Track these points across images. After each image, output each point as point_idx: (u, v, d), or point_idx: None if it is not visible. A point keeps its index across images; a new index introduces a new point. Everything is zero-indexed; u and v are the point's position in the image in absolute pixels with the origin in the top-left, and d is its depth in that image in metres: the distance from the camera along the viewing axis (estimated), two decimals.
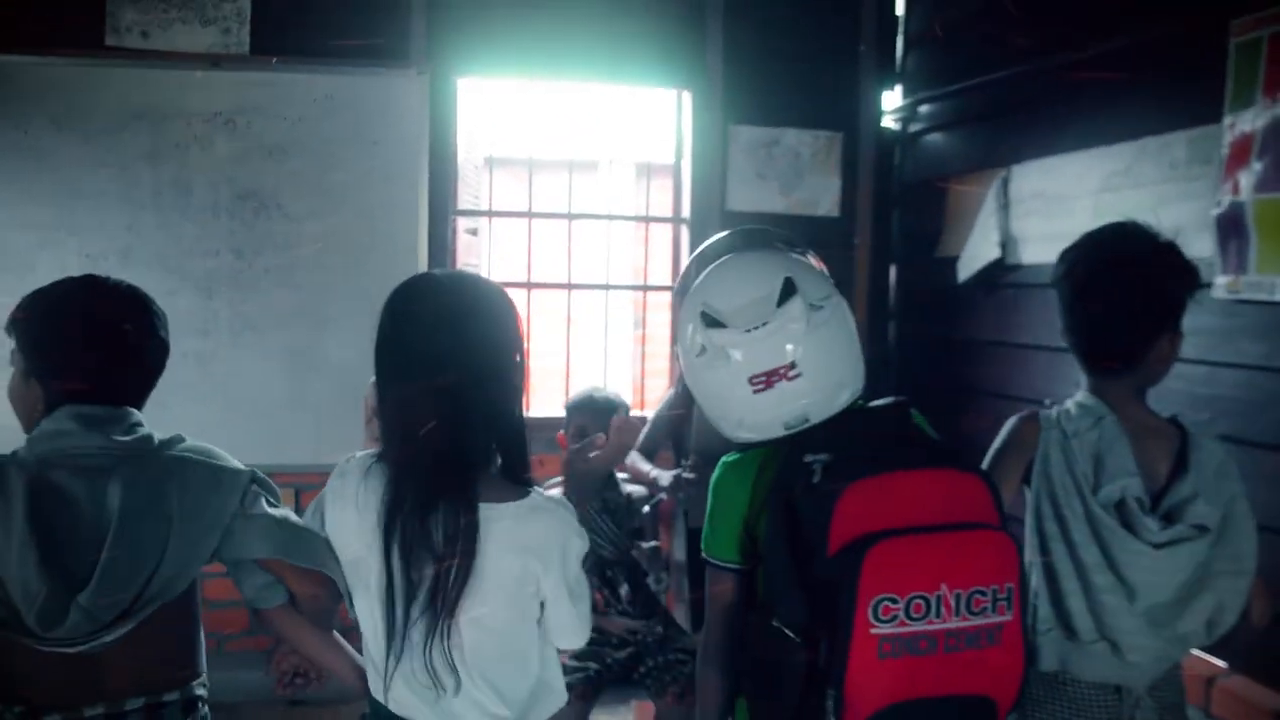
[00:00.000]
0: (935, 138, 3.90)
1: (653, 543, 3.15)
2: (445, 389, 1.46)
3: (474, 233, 4.28)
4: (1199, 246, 2.28)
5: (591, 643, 2.84)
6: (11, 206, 3.45)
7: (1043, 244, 3.07)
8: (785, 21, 3.95)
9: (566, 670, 2.71)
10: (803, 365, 1.54)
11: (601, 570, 2.98)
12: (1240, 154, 2.33)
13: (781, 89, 3.96)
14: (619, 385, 3.97)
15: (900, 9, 4.05)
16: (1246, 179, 2.31)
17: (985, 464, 1.80)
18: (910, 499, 1.44)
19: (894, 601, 1.36)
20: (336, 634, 1.69)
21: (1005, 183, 3.29)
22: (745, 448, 1.63)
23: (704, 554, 1.65)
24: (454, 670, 1.48)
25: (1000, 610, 1.42)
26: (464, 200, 3.99)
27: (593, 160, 7.08)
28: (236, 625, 3.50)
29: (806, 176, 3.99)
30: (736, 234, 1.82)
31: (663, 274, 4.53)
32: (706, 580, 1.65)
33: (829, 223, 4.01)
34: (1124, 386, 1.77)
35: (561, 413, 3.15)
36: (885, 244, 4.11)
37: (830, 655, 1.37)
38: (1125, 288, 1.71)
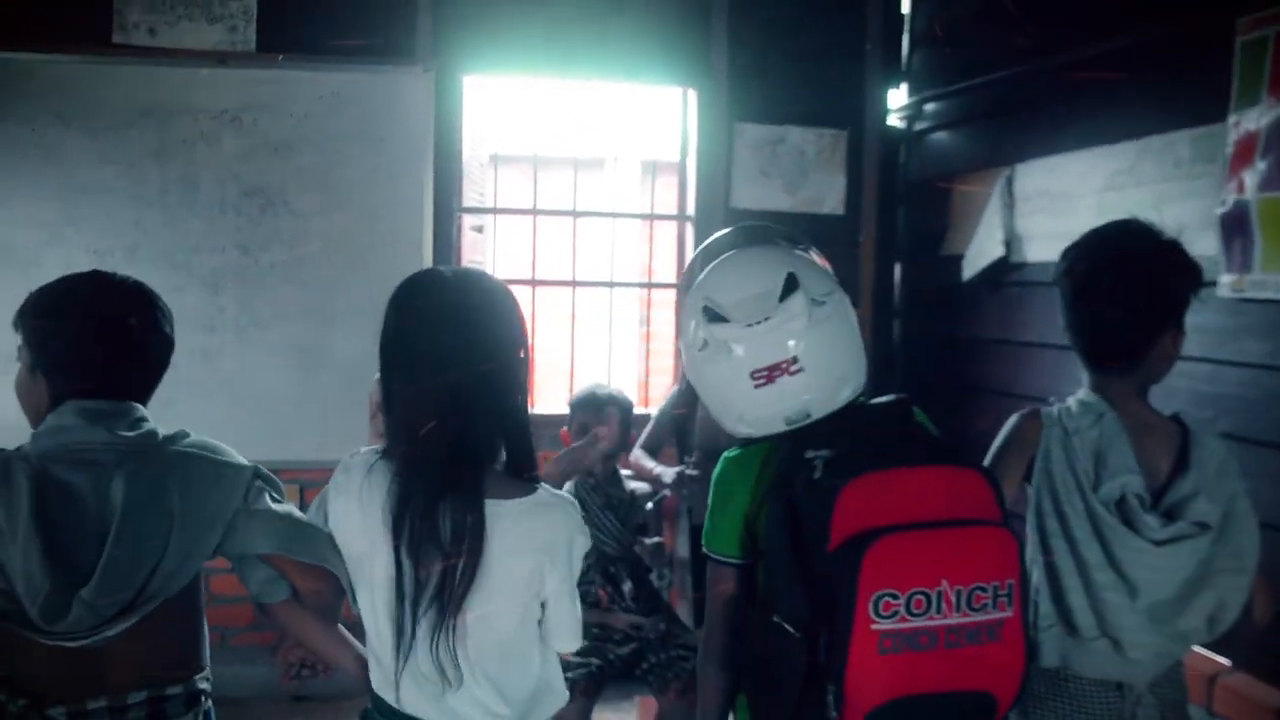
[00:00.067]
0: (940, 136, 3.89)
1: (656, 539, 3.16)
2: (450, 385, 1.47)
3: (479, 230, 4.29)
4: (1202, 245, 2.28)
5: (594, 639, 2.85)
6: (18, 203, 3.46)
7: (1047, 242, 3.07)
8: (790, 19, 3.95)
9: (569, 666, 2.72)
10: (804, 360, 1.54)
11: (605, 567, 2.98)
12: (1245, 152, 2.33)
13: (786, 87, 3.96)
14: (623, 382, 3.97)
15: (906, 7, 4.05)
16: (1251, 177, 2.30)
17: (987, 461, 1.80)
18: (911, 495, 1.45)
19: (894, 597, 1.36)
20: (341, 627, 1.69)
21: (1010, 181, 3.29)
22: (747, 443, 1.64)
23: (705, 549, 1.65)
24: (458, 666, 1.49)
25: (1001, 606, 1.43)
26: (469, 197, 4.00)
27: (598, 158, 7.08)
28: (241, 620, 3.52)
29: (811, 174, 4.00)
30: (740, 230, 1.83)
31: (667, 271, 4.54)
32: (707, 575, 1.66)
33: (834, 220, 4.01)
34: (1125, 384, 1.77)
35: (566, 410, 3.15)
36: (890, 242, 4.11)
37: (830, 651, 1.37)
38: (1127, 285, 1.70)
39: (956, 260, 3.53)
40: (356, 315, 3.56)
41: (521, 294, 1.77)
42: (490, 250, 4.56)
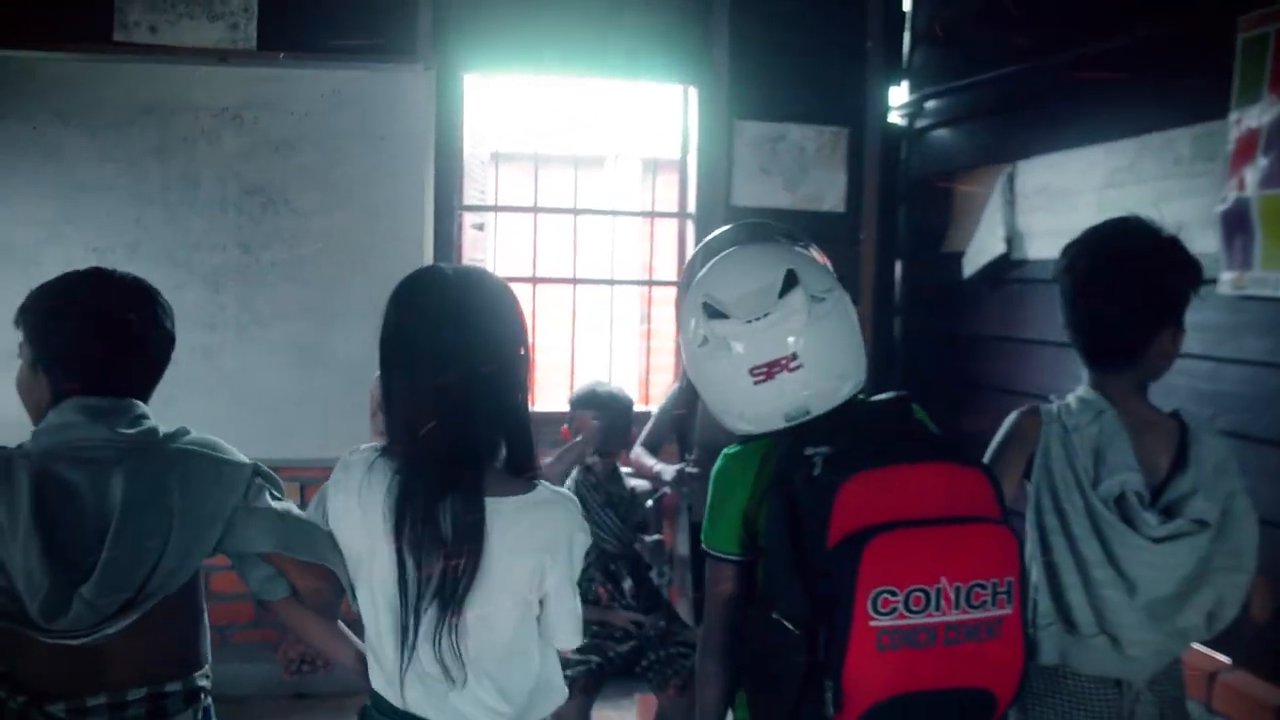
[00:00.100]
0: (941, 133, 3.89)
1: (656, 536, 3.16)
2: (450, 383, 1.47)
3: (480, 228, 4.29)
4: (1203, 243, 2.28)
5: (594, 636, 2.85)
6: (19, 201, 3.47)
7: (1048, 239, 3.07)
8: (791, 16, 3.94)
9: (568, 664, 2.72)
10: (804, 356, 1.54)
11: (605, 564, 2.99)
12: (1246, 150, 2.33)
13: (787, 84, 3.96)
14: (624, 380, 3.98)
15: (907, 5, 4.04)
16: (1252, 175, 2.30)
17: (986, 458, 1.80)
18: (911, 492, 1.45)
19: (893, 594, 1.36)
20: (341, 624, 1.70)
21: (1011, 178, 3.29)
22: (747, 440, 1.64)
23: (704, 546, 1.65)
24: (462, 663, 1.49)
25: (1000, 604, 1.43)
26: (470, 195, 4.00)
27: (599, 155, 7.08)
28: (243, 617, 3.52)
29: (812, 172, 3.99)
30: (740, 227, 1.83)
31: (668, 269, 4.54)
32: (706, 572, 1.66)
33: (834, 218, 4.01)
34: (1125, 381, 1.77)
35: (567, 408, 3.16)
36: (891, 239, 4.10)
37: (829, 647, 1.37)
38: (1126, 283, 1.70)
39: (957, 258, 3.53)
40: (357, 313, 3.56)
41: (522, 292, 1.78)
42: (491, 248, 4.56)
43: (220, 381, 3.55)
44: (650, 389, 4.72)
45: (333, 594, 1.63)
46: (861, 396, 1.65)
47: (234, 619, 3.53)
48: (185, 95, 3.52)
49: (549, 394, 4.58)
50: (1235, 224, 2.34)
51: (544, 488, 1.57)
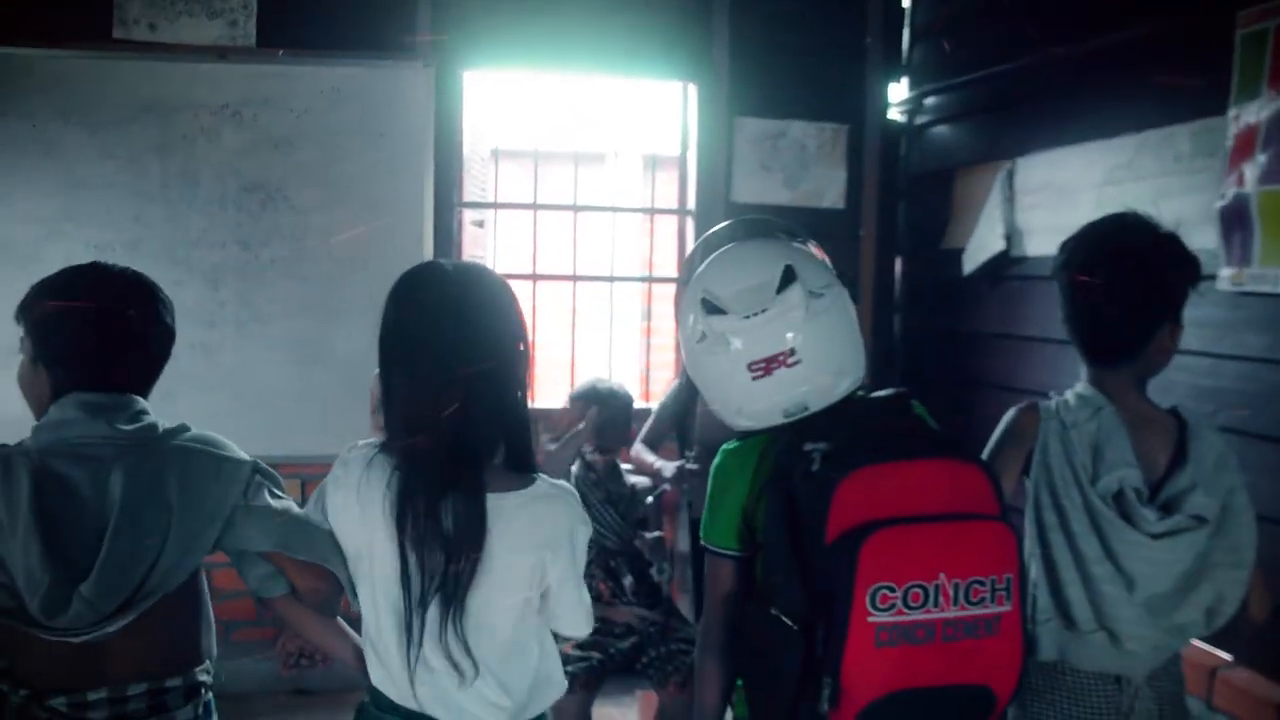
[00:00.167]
0: (941, 130, 3.89)
1: (656, 533, 3.16)
2: (449, 379, 1.47)
3: (480, 224, 4.29)
4: (1202, 239, 2.28)
5: (595, 632, 2.85)
6: (19, 199, 3.47)
7: (1048, 236, 3.07)
8: (791, 14, 3.95)
9: (569, 660, 2.73)
10: (802, 352, 1.54)
11: (606, 561, 2.99)
12: (1245, 146, 2.33)
13: (787, 81, 3.96)
14: (624, 377, 3.98)
15: (906, 1, 4.04)
16: (1251, 171, 2.30)
17: (985, 455, 1.80)
18: (910, 489, 1.44)
19: (891, 590, 1.36)
20: (340, 620, 1.70)
21: (1011, 175, 3.29)
22: (745, 435, 1.64)
23: (703, 541, 1.65)
24: (470, 657, 1.49)
25: (999, 601, 1.42)
26: (470, 192, 4.00)
27: (599, 152, 7.07)
28: (244, 614, 3.53)
29: (812, 168, 3.99)
30: (739, 223, 1.82)
31: (668, 266, 4.54)
32: (705, 568, 1.66)
33: (834, 215, 4.01)
34: (1123, 377, 1.76)
35: (567, 404, 3.16)
36: (890, 236, 4.10)
37: (827, 643, 1.37)
38: (1125, 278, 1.70)
39: (957, 254, 3.53)
40: (357, 310, 3.56)
41: (522, 289, 1.78)
42: (491, 245, 4.56)
43: (220, 378, 3.55)
44: (650, 386, 4.72)
45: (331, 592, 1.63)
46: (861, 393, 1.65)
47: (235, 616, 3.53)
48: (185, 92, 3.53)
49: (549, 390, 4.58)
50: (1234, 220, 2.34)
51: (543, 481, 1.57)
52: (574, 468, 3.03)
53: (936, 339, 3.86)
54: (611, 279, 4.58)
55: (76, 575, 1.48)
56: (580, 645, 2.84)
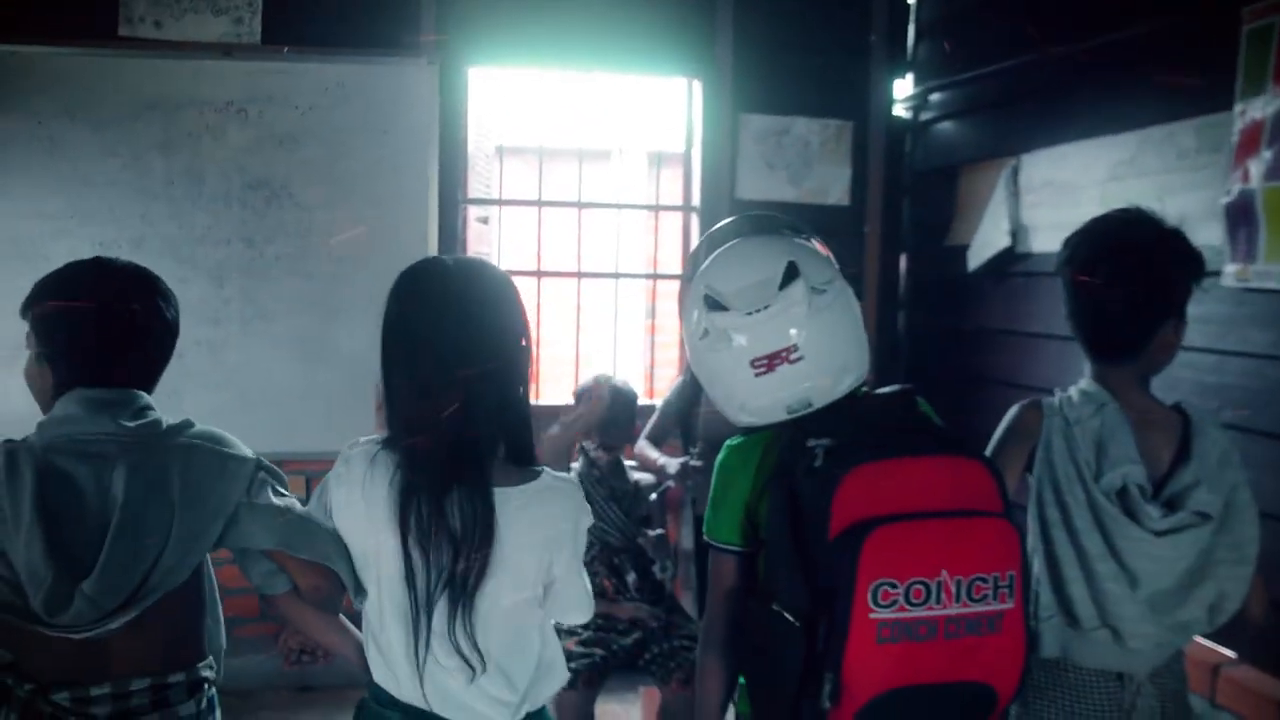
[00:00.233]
0: (946, 126, 3.88)
1: (660, 530, 3.17)
2: (451, 375, 1.47)
3: (484, 221, 4.29)
4: (1206, 235, 2.27)
5: (598, 629, 2.86)
6: (25, 196, 3.47)
7: (1053, 233, 3.06)
8: (795, 10, 3.94)
9: (572, 656, 2.73)
10: (805, 348, 1.54)
11: (609, 558, 2.99)
12: (1250, 142, 2.32)
13: (792, 78, 3.96)
14: (629, 374, 3.97)
15: None
16: (1256, 167, 2.29)
17: (988, 451, 1.80)
18: (913, 485, 1.44)
19: (893, 586, 1.36)
20: (342, 617, 1.70)
21: (1015, 171, 3.28)
22: (749, 432, 1.64)
23: (706, 537, 1.66)
24: (479, 651, 1.49)
25: (1001, 598, 1.42)
26: (474, 189, 4.00)
27: (603, 149, 7.07)
28: (248, 611, 3.53)
29: (816, 165, 3.99)
30: (743, 219, 1.82)
31: (673, 263, 4.53)
32: (708, 563, 1.66)
33: (839, 211, 4.01)
34: (1127, 373, 1.76)
35: (572, 401, 3.16)
36: (895, 233, 4.10)
37: (829, 639, 1.37)
38: (1128, 274, 1.70)
39: (962, 251, 3.52)
40: (361, 307, 3.56)
41: (527, 286, 1.78)
42: (495, 242, 4.56)
43: (224, 375, 3.55)
44: (655, 383, 4.72)
45: (333, 590, 1.62)
46: (865, 389, 1.65)
47: (238, 613, 3.54)
48: (189, 90, 3.53)
49: (553, 387, 4.58)
50: (1239, 216, 2.33)
51: (546, 474, 1.57)
52: (577, 464, 3.03)
53: (941, 335, 3.86)
54: (616, 276, 4.58)
55: (79, 572, 1.48)
56: (583, 642, 2.85)
